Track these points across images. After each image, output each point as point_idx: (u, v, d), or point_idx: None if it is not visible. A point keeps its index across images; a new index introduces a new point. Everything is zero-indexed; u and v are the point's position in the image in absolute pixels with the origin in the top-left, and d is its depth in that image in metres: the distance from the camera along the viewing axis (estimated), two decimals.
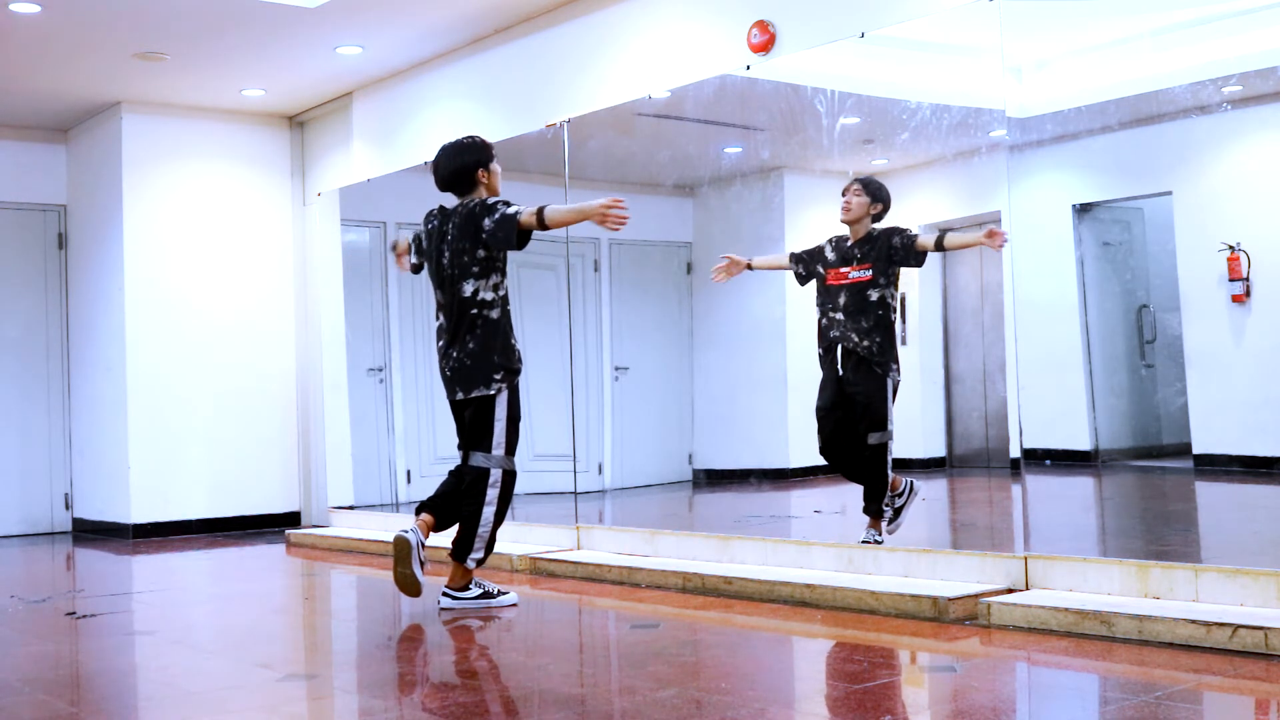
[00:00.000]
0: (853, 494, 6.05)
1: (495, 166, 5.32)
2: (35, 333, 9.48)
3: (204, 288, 9.09)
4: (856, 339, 5.70)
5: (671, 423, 8.94)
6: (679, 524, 7.43)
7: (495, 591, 5.31)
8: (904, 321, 7.45)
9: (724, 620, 4.91)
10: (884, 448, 5.69)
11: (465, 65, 7.82)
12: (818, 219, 7.01)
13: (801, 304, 6.25)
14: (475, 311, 5.14)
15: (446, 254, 5.21)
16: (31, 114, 9.05)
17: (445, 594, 5.26)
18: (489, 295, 5.15)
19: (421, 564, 5.17)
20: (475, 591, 5.28)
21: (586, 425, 8.20)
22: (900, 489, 5.77)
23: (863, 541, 5.58)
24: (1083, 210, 7.85)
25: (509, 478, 5.22)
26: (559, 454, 7.43)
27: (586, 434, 8.16)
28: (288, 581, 6.77)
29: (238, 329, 9.21)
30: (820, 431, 5.86)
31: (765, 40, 5.94)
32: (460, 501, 5.24)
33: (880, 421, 5.68)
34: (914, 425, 7.54)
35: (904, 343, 7.46)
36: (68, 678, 4.30)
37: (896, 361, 5.76)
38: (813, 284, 6.01)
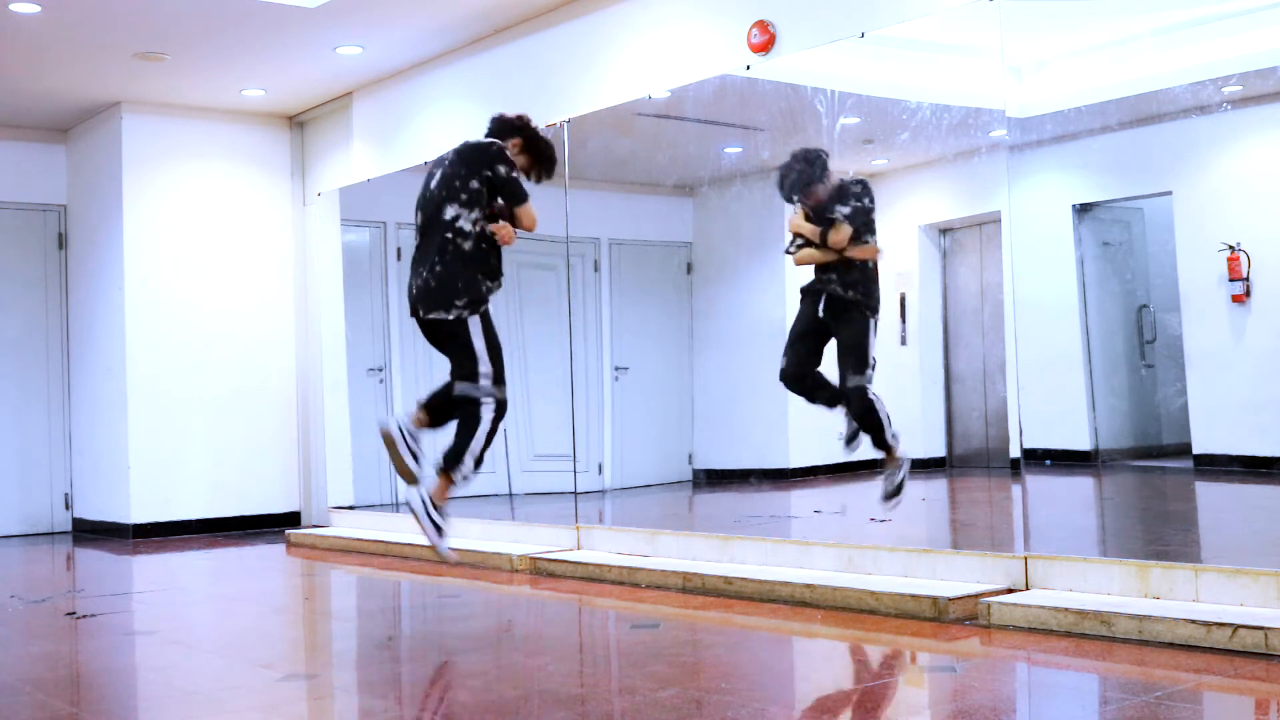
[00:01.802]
0: (852, 494, 6.06)
1: (520, 157, 5.18)
2: (35, 333, 9.48)
3: (204, 288, 9.09)
4: (842, 289, 5.72)
5: (671, 423, 8.94)
6: (679, 524, 7.43)
7: (444, 531, 5.01)
8: (904, 321, 7.45)
9: (724, 620, 4.91)
10: (864, 390, 5.68)
11: (465, 65, 7.82)
12: None
13: None
14: (449, 236, 5.01)
15: (437, 177, 5.10)
16: (31, 114, 9.05)
17: (422, 500, 4.97)
18: (466, 226, 5.01)
19: (413, 454, 4.99)
20: (439, 517, 4.99)
21: (586, 425, 8.20)
22: (899, 463, 5.77)
23: (870, 519, 5.62)
24: (1083, 210, 7.85)
25: (501, 406, 5.02)
26: (559, 454, 7.43)
27: (586, 434, 8.16)
28: (288, 581, 6.77)
29: (238, 329, 9.20)
30: (786, 356, 5.87)
31: (765, 40, 5.94)
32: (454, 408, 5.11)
33: (862, 363, 5.68)
34: (914, 425, 7.53)
35: (904, 343, 7.47)
36: (68, 678, 4.30)
37: (879, 303, 5.78)
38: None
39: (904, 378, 7.54)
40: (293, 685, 4.01)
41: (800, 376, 5.87)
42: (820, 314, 5.78)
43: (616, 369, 8.86)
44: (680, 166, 8.22)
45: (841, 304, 5.73)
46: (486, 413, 5.04)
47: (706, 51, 6.28)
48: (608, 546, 6.49)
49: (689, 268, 8.80)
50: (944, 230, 7.61)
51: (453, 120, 7.89)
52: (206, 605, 6.05)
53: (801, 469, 7.63)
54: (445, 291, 5.03)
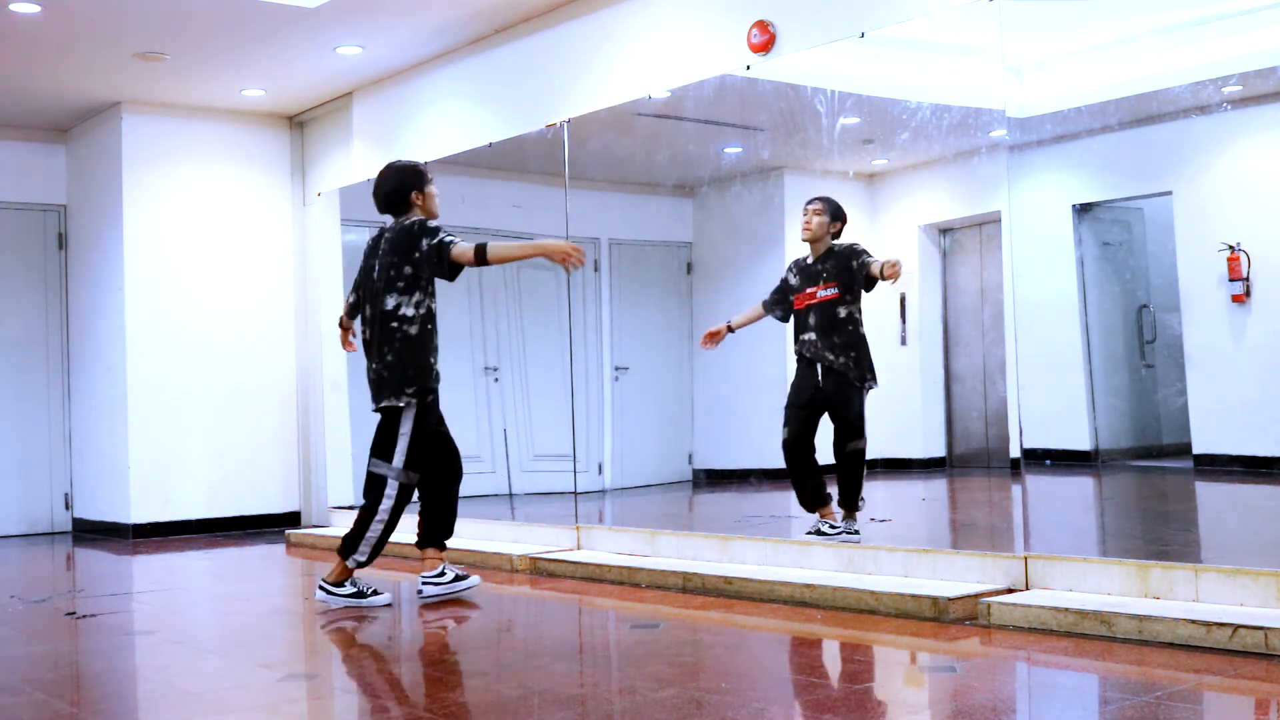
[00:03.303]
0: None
1: (431, 189, 5.45)
2: (35, 333, 9.48)
3: (204, 288, 9.09)
4: (833, 357, 5.83)
5: (671, 423, 8.94)
6: (679, 524, 7.43)
7: (368, 591, 5.39)
8: (904, 321, 7.46)
9: (724, 620, 4.91)
10: (860, 453, 5.88)
11: (465, 65, 7.82)
12: None
13: None
14: (395, 325, 5.25)
15: (376, 268, 5.35)
16: (31, 114, 9.05)
17: (322, 587, 5.41)
18: (409, 311, 5.26)
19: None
20: (348, 590, 5.40)
21: (586, 425, 8.20)
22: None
23: (828, 529, 5.76)
24: (1083, 210, 7.85)
25: (405, 491, 5.31)
26: (559, 454, 7.44)
27: (586, 434, 8.16)
28: (288, 581, 6.77)
29: (238, 329, 9.20)
30: (787, 425, 5.95)
31: (765, 40, 5.94)
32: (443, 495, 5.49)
33: (858, 431, 5.85)
34: (914, 425, 7.54)
35: (904, 343, 7.48)
36: (68, 678, 4.30)
37: (873, 372, 5.89)
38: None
39: (904, 378, 7.54)
40: (293, 685, 4.01)
41: (797, 449, 5.91)
42: (820, 383, 5.87)
43: (616, 369, 8.87)
44: (680, 166, 8.22)
45: (835, 375, 5.84)
46: (388, 501, 5.27)
47: (706, 51, 6.28)
48: (608, 546, 6.49)
49: (689, 268, 8.81)
50: (944, 230, 7.61)
51: (453, 120, 7.89)
52: (206, 605, 6.05)
53: None
54: (397, 379, 5.27)
